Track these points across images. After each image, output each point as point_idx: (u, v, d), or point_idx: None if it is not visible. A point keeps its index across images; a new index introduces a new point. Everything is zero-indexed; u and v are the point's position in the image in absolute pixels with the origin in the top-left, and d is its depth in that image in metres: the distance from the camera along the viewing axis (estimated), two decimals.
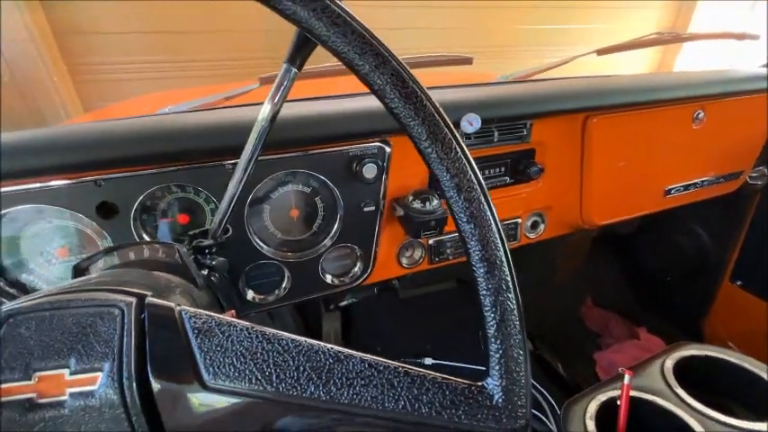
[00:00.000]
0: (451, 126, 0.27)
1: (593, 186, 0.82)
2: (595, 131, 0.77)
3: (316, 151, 0.59)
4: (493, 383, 0.24)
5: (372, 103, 0.62)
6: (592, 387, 0.56)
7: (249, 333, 0.24)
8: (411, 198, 0.65)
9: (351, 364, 0.23)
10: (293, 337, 0.24)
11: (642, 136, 0.82)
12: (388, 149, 0.62)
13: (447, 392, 0.23)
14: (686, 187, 0.93)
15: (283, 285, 0.65)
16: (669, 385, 0.53)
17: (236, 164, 0.54)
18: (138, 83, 2.13)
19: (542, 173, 0.77)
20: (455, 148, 0.27)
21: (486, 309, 0.25)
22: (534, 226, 0.88)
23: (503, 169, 0.77)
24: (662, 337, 1.20)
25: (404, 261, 0.77)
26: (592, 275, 1.30)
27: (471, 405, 0.23)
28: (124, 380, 0.22)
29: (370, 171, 0.59)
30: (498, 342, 0.25)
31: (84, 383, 0.22)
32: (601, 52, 0.91)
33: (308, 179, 0.62)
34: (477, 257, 0.26)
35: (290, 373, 0.23)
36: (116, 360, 0.22)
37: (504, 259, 0.26)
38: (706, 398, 0.54)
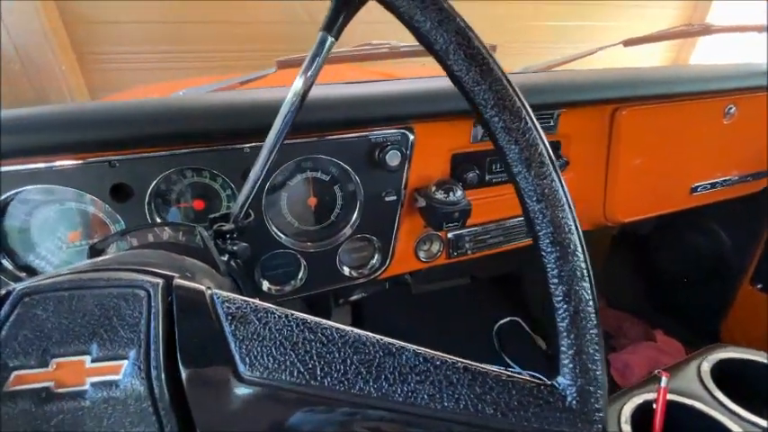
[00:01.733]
0: (520, 94, 0.25)
1: (619, 182, 0.79)
2: (624, 124, 0.74)
3: (337, 136, 0.56)
4: (565, 383, 0.21)
5: (396, 87, 0.59)
6: (624, 390, 0.53)
7: (289, 321, 0.21)
8: (434, 188, 0.63)
9: (403, 357, 0.21)
10: (337, 326, 0.22)
11: (671, 130, 0.79)
12: (411, 137, 0.60)
13: (513, 392, 0.21)
14: (713, 185, 0.90)
15: (300, 276, 0.62)
16: (707, 389, 0.50)
17: (254, 147, 0.52)
18: (146, 73, 2.11)
19: (567, 166, 0.74)
20: (525, 117, 0.24)
21: (558, 299, 0.23)
22: None
23: None
24: (677, 339, 1.17)
25: (421, 255, 0.75)
26: (606, 275, 1.27)
27: (541, 406, 0.20)
28: (152, 369, 0.19)
29: (393, 158, 0.57)
30: (572, 337, 0.22)
31: (106, 372, 0.19)
32: (628, 43, 0.88)
33: (327, 166, 0.60)
34: (548, 241, 0.23)
35: (336, 367, 0.20)
36: (143, 347, 0.20)
37: (578, 244, 0.23)
38: (742, 402, 0.51)
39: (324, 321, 0.22)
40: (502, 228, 0.79)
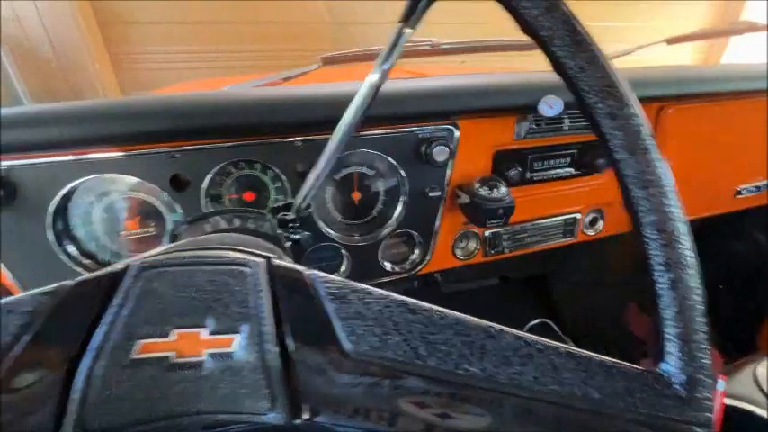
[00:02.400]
0: (625, 80, 0.25)
1: None
2: (669, 123, 0.72)
3: (384, 131, 0.57)
4: (672, 370, 0.21)
5: (442, 83, 0.60)
6: None
7: (389, 301, 0.22)
8: (477, 185, 0.62)
9: (504, 340, 0.21)
10: (436, 307, 0.22)
11: (717, 130, 0.77)
12: (457, 133, 0.60)
13: (618, 377, 0.20)
14: (758, 188, 0.87)
15: (342, 269, 0.63)
16: (766, 393, 0.49)
17: (306, 141, 0.53)
18: (176, 72, 2.16)
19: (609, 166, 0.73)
20: (630, 104, 0.24)
21: (664, 287, 0.22)
22: (593, 222, 0.84)
23: (568, 160, 0.73)
24: (713, 347, 1.14)
25: (458, 253, 0.75)
26: (638, 279, 1.24)
27: (648, 393, 0.20)
28: (264, 344, 0.20)
29: (440, 154, 0.57)
30: (679, 324, 0.22)
31: (221, 344, 0.20)
32: (671, 41, 0.86)
33: (373, 160, 0.60)
34: (653, 228, 0.23)
35: (438, 347, 0.20)
36: (254, 322, 0.20)
37: (684, 230, 0.23)
38: None
39: (421, 303, 0.22)
40: (539, 227, 0.78)
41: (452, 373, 0.20)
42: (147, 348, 0.19)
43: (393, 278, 0.67)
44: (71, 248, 0.50)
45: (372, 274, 0.65)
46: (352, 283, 0.23)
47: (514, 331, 0.21)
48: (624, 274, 1.19)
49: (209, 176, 0.51)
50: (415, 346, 0.20)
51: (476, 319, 0.22)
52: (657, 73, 0.72)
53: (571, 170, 0.74)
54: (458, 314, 0.22)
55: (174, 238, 0.34)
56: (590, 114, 0.25)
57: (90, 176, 0.47)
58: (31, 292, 0.20)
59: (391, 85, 0.57)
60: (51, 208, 0.47)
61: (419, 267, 0.67)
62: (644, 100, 0.70)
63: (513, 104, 0.59)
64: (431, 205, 0.63)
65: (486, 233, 0.75)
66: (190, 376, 0.19)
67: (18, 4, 1.87)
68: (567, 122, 0.67)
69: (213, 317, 0.20)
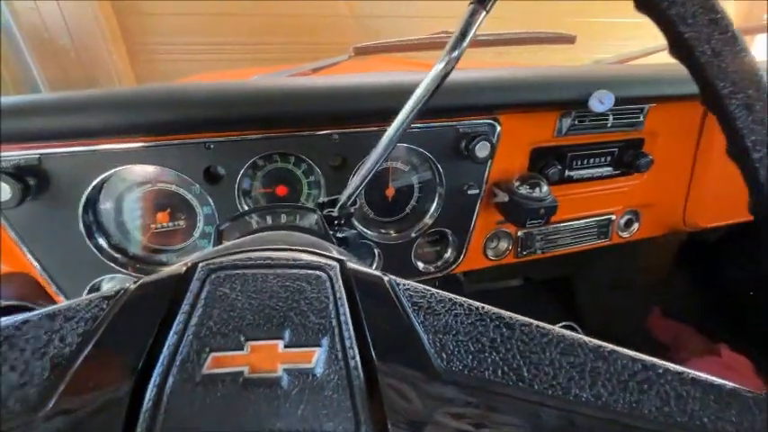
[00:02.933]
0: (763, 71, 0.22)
1: (705, 184, 0.74)
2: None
3: (422, 125, 0.54)
4: None
5: (484, 75, 0.57)
6: None
7: (480, 314, 0.20)
8: (517, 183, 0.60)
9: (618, 363, 0.18)
10: (536, 323, 0.20)
11: None
12: (498, 128, 0.57)
13: (756, 411, 0.18)
14: None
15: (373, 267, 0.61)
16: None
17: (343, 134, 0.51)
18: (192, 64, 2.15)
19: (651, 165, 0.70)
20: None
21: None
22: (628, 224, 0.81)
23: (608, 159, 0.70)
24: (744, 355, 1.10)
25: (489, 253, 0.72)
26: (665, 282, 1.21)
27: None
28: (350, 360, 0.18)
29: (482, 149, 0.54)
30: None
31: (299, 359, 0.18)
32: None
33: (409, 155, 0.58)
34: None
35: (543, 368, 0.18)
36: (336, 335, 0.18)
37: None
38: None
39: (519, 317, 0.20)
40: (572, 228, 0.75)
41: (561, 399, 0.18)
42: (220, 362, 0.17)
43: (424, 278, 0.65)
44: (102, 241, 0.49)
45: (404, 273, 0.62)
46: (434, 290, 0.21)
47: (629, 352, 0.19)
48: (650, 277, 1.15)
49: (243, 169, 0.49)
50: (515, 367, 0.18)
51: (582, 336, 0.19)
52: None
53: (610, 169, 0.71)
54: (560, 330, 0.19)
55: (219, 234, 0.32)
56: (720, 105, 0.22)
57: (123, 166, 0.45)
58: (89, 296, 0.18)
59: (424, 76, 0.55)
60: (83, 198, 0.45)
61: (452, 267, 0.65)
62: (690, 97, 0.66)
63: (560, 99, 0.56)
64: (468, 203, 0.60)
65: (519, 233, 0.72)
66: (267, 394, 0.17)
67: None
68: (611, 119, 0.63)
69: (290, 328, 0.18)
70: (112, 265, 0.49)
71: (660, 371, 0.18)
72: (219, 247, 0.22)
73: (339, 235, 0.38)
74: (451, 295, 0.21)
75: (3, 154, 0.42)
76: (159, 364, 0.16)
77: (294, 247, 0.21)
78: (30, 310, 0.51)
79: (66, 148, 0.43)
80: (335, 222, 0.38)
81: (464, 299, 0.21)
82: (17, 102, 0.42)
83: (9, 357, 0.15)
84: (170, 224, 0.52)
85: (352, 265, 0.21)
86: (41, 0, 1.88)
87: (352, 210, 0.40)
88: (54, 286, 0.49)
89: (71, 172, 0.44)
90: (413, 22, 2.36)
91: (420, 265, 0.63)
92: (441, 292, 0.21)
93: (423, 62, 0.77)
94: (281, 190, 0.54)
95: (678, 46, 0.22)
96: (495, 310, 0.20)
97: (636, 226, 0.81)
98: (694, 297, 1.26)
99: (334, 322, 0.18)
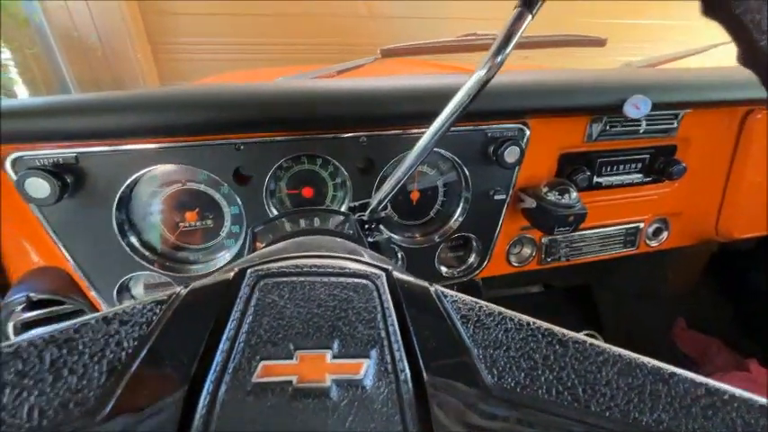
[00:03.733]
0: None
1: (741, 193, 0.71)
2: (756, 129, 0.66)
3: (452, 129, 0.53)
4: None
5: (514, 79, 0.56)
6: None
7: (532, 329, 0.19)
8: (545, 189, 0.58)
9: (681, 386, 0.17)
10: (590, 340, 0.19)
11: None
12: (527, 132, 0.56)
13: None
14: None
15: None
16: None
17: (371, 136, 0.51)
18: (214, 64, 2.18)
19: (684, 173, 0.67)
20: None
21: None
22: (657, 233, 0.79)
23: (638, 165, 0.68)
24: None
25: (512, 259, 0.71)
26: (692, 294, 1.17)
27: None
28: (399, 373, 0.17)
29: (511, 155, 0.53)
30: None
31: (347, 370, 0.17)
32: None
33: (435, 159, 0.57)
34: None
35: (600, 389, 0.17)
36: (386, 347, 0.18)
37: None
38: None
39: (571, 333, 0.19)
40: (599, 235, 0.73)
41: (619, 422, 0.17)
42: (269, 371, 0.17)
43: (447, 283, 0.64)
44: (133, 239, 0.50)
45: (427, 277, 0.61)
46: (483, 303, 0.20)
47: (690, 375, 0.18)
48: (677, 287, 1.11)
49: (272, 170, 0.49)
50: (570, 386, 0.17)
51: (640, 356, 0.18)
52: (743, 74, 0.66)
53: (641, 176, 0.69)
54: (616, 349, 0.19)
55: (254, 236, 0.32)
56: None
57: (156, 166, 0.46)
58: (142, 300, 0.18)
59: (458, 80, 0.54)
60: (117, 197, 0.46)
61: (475, 272, 0.64)
62: (728, 103, 0.64)
63: (593, 104, 0.54)
64: (494, 208, 0.59)
65: (544, 240, 0.71)
66: (315, 405, 0.17)
67: None
68: (644, 125, 0.62)
69: (339, 338, 0.18)
70: (142, 262, 0.50)
71: (726, 396, 0.17)
72: (263, 251, 0.22)
73: (370, 239, 0.38)
74: (500, 308, 0.20)
75: (42, 152, 0.43)
76: (212, 371, 0.16)
77: (339, 255, 0.21)
78: (61, 303, 0.52)
79: (103, 147, 0.44)
80: (366, 227, 0.38)
81: (513, 312, 0.20)
82: (55, 101, 0.43)
83: (69, 361, 0.15)
84: (198, 223, 0.52)
85: (398, 274, 0.21)
86: (72, 0, 1.94)
87: (382, 214, 0.39)
88: (86, 281, 0.50)
89: (106, 170, 0.45)
90: (433, 24, 2.35)
91: (443, 269, 0.63)
92: (489, 304, 0.20)
93: (448, 64, 0.76)
94: (308, 192, 0.54)
95: (751, 54, 0.21)
96: (546, 325, 0.19)
97: (665, 235, 0.79)
98: (722, 309, 1.22)
99: (383, 334, 0.18)
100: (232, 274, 0.19)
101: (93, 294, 0.51)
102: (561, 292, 1.18)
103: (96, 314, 0.17)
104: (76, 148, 0.43)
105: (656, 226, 0.78)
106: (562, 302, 1.18)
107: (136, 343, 0.17)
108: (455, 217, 0.60)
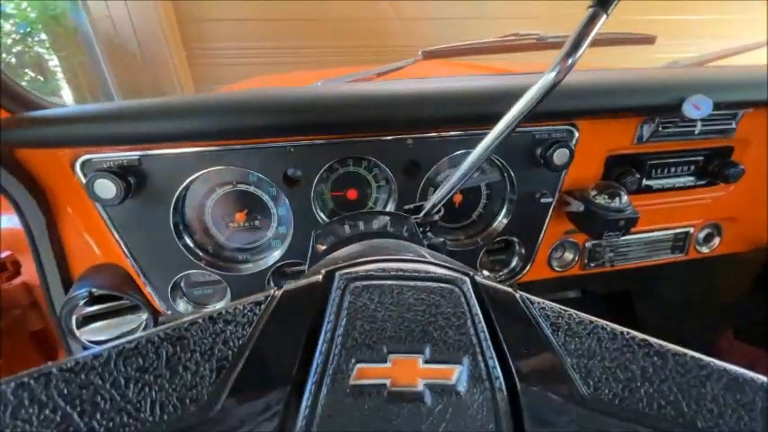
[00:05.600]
0: None
1: None
2: None
3: None
4: None
5: (567, 79, 0.54)
6: None
7: (627, 339, 0.18)
8: (593, 192, 0.57)
9: None
10: (689, 352, 0.18)
11: None
12: (576, 134, 0.54)
13: None
14: None
15: None
16: None
17: (417, 139, 0.51)
18: (247, 68, 2.24)
19: (743, 175, 0.64)
20: None
21: None
22: (708, 239, 0.75)
23: (691, 168, 0.65)
24: None
25: (554, 263, 0.69)
26: (742, 303, 1.11)
27: None
28: (494, 380, 0.17)
29: (561, 157, 0.52)
30: None
31: (440, 375, 0.17)
32: None
33: None
34: None
35: (705, 404, 0.17)
36: (478, 353, 0.18)
37: None
38: None
39: (669, 345, 0.18)
40: (646, 240, 0.71)
41: None
42: (365, 374, 0.17)
43: None
44: (187, 238, 0.51)
45: None
46: (571, 311, 0.20)
47: None
48: (726, 296, 1.06)
49: (320, 172, 0.50)
50: (673, 401, 0.17)
51: (747, 372, 0.18)
52: None
53: (693, 179, 0.66)
54: (719, 362, 0.18)
55: (317, 238, 0.33)
56: None
57: (211, 168, 0.48)
58: (241, 301, 0.19)
59: (506, 81, 0.53)
60: (175, 197, 0.48)
61: (518, 276, 0.63)
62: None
63: (647, 104, 0.52)
64: (540, 211, 0.58)
65: (588, 244, 0.69)
66: (409, 409, 0.17)
67: (111, 3, 2.02)
68: (699, 126, 0.59)
69: (431, 343, 0.18)
70: (195, 261, 0.51)
71: None
72: (342, 253, 0.22)
73: (425, 242, 0.38)
74: (590, 317, 0.20)
75: (107, 155, 0.45)
76: (313, 372, 0.17)
77: (422, 259, 0.21)
78: (120, 299, 0.54)
79: (163, 150, 0.46)
80: (420, 230, 0.38)
81: (604, 321, 0.19)
82: (120, 107, 0.45)
83: (183, 358, 0.16)
84: (247, 224, 0.54)
85: (481, 279, 0.20)
86: (114, 9, 2.04)
87: (436, 217, 0.39)
88: (143, 278, 0.52)
89: (166, 172, 0.46)
90: (464, 24, 2.33)
91: (484, 273, 0.62)
92: (578, 312, 0.20)
93: (488, 66, 0.75)
94: (352, 194, 0.55)
95: None
96: (642, 336, 0.19)
97: (717, 241, 0.75)
98: None
99: (474, 340, 0.18)
100: (320, 276, 0.20)
101: (148, 291, 0.53)
102: (600, 297, 1.14)
103: (202, 313, 0.18)
104: (139, 151, 0.45)
105: (707, 231, 0.74)
106: (600, 309, 1.14)
107: (240, 342, 0.17)
108: (498, 219, 0.59)
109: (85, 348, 0.56)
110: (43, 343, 0.66)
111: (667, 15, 2.50)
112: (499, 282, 0.60)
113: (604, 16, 0.32)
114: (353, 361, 0.17)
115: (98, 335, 0.53)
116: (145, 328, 0.55)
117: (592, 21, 0.32)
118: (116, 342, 0.16)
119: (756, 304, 1.17)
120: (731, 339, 1.17)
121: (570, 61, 0.34)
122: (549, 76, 0.35)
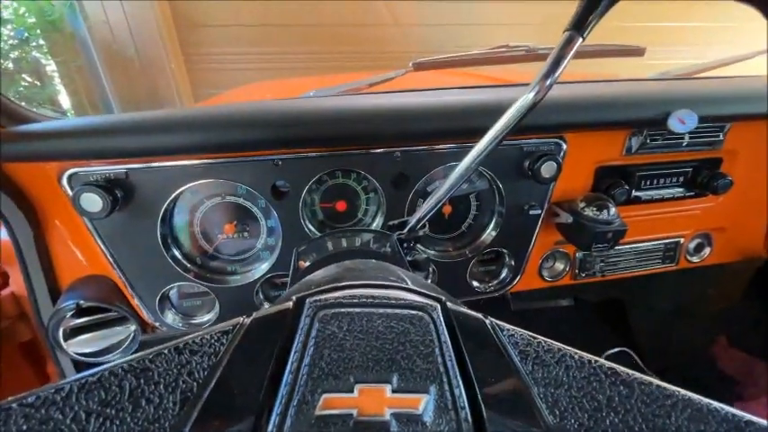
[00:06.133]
0: None
1: None
2: None
3: None
4: None
5: (553, 92, 0.55)
6: None
7: (594, 368, 0.18)
8: (582, 204, 0.57)
9: None
10: (655, 381, 0.18)
11: None
12: (564, 147, 0.55)
13: None
14: None
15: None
16: None
17: (405, 152, 0.51)
18: (243, 73, 2.25)
19: (731, 187, 0.64)
20: None
21: None
22: (698, 249, 0.75)
23: (680, 179, 0.65)
24: None
25: (545, 273, 0.69)
26: (735, 311, 1.11)
27: None
28: (459, 410, 0.17)
29: (548, 170, 0.52)
30: None
31: (407, 405, 0.17)
32: None
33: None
34: None
35: None
36: (445, 383, 0.18)
37: None
38: None
39: (635, 373, 0.19)
40: (636, 251, 0.71)
41: None
42: (331, 404, 0.17)
43: (478, 298, 0.63)
44: (175, 251, 0.51)
45: (459, 291, 0.61)
46: (540, 338, 0.20)
47: (754, 420, 0.17)
48: (718, 304, 1.06)
49: (308, 185, 0.50)
50: (638, 431, 0.17)
51: (711, 401, 0.18)
52: None
53: (682, 190, 0.66)
54: (684, 392, 0.18)
55: (299, 255, 0.33)
56: None
57: (198, 181, 0.48)
58: (207, 330, 0.19)
59: (493, 95, 0.53)
60: (162, 210, 0.48)
61: (508, 287, 0.63)
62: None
63: (634, 118, 0.53)
64: (528, 223, 0.58)
65: (578, 254, 0.69)
66: None
67: (108, 6, 2.03)
68: (687, 138, 0.59)
69: (398, 372, 0.18)
70: (183, 273, 0.51)
71: None
72: (316, 278, 0.22)
73: (409, 258, 0.38)
74: (559, 345, 0.20)
75: (94, 168, 0.45)
76: (278, 403, 0.17)
77: (393, 284, 0.21)
78: (107, 310, 0.54)
79: (151, 164, 0.46)
80: (404, 245, 0.38)
81: (573, 349, 0.20)
82: (107, 121, 0.45)
83: (146, 390, 0.16)
84: (235, 235, 0.54)
85: (452, 305, 0.21)
86: (112, 15, 2.04)
87: (420, 233, 0.39)
88: (131, 290, 0.52)
89: (153, 185, 0.47)
90: (458, 30, 2.35)
91: (474, 283, 0.62)
92: (547, 340, 0.20)
93: (480, 74, 0.75)
94: (341, 205, 0.55)
95: None
96: (609, 364, 0.19)
97: (707, 251, 0.75)
98: (766, 327, 1.15)
99: (441, 369, 0.18)
100: (291, 303, 0.20)
101: (136, 302, 0.53)
102: (592, 306, 1.14)
103: (168, 344, 0.18)
104: (126, 165, 0.45)
105: (697, 241, 0.75)
106: (593, 317, 1.14)
107: (206, 373, 0.17)
108: (488, 231, 0.59)
109: (74, 360, 0.56)
110: (33, 354, 0.66)
111: (660, 23, 2.52)
112: (489, 292, 0.60)
113: (580, 39, 0.32)
114: (319, 391, 0.17)
115: (86, 347, 0.53)
116: (133, 340, 0.55)
117: (568, 44, 0.33)
118: (79, 375, 0.16)
119: (749, 312, 1.17)
120: (725, 346, 1.17)
121: (549, 81, 0.34)
122: (529, 96, 0.35)
